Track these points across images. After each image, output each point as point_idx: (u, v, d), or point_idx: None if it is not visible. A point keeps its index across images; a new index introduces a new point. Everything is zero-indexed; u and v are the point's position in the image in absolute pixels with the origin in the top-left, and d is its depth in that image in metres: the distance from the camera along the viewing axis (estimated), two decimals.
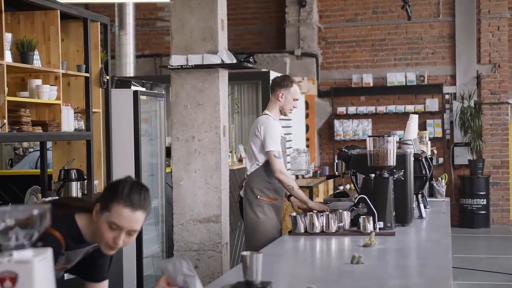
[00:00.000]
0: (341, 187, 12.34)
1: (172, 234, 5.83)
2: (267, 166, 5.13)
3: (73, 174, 5.42)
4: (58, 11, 5.18)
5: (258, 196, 5.14)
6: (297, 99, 5.29)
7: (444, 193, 6.54)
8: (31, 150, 8.84)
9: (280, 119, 9.61)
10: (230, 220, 6.24)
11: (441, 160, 12.55)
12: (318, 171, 10.99)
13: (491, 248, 10.77)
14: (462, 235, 11.56)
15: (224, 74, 5.91)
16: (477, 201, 12.23)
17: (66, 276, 4.56)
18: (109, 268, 2.90)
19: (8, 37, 4.73)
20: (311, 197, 9.10)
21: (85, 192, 5.57)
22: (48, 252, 1.81)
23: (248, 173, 5.25)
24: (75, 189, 5.42)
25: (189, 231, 5.74)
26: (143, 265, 6.30)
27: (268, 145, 5.06)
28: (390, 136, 4.46)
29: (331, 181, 11.10)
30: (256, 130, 5.15)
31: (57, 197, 4.78)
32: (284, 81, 5.26)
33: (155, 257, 6.71)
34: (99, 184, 5.80)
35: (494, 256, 9.92)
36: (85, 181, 5.55)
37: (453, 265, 7.90)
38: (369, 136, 4.51)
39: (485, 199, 12.24)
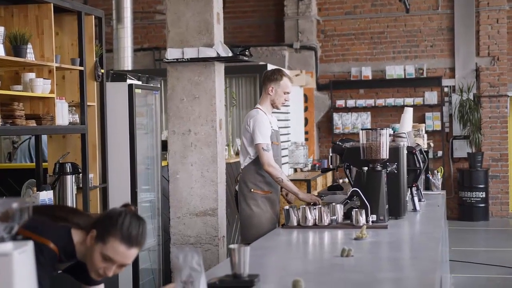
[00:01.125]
0: (341, 180, 12.35)
1: (169, 227, 5.83)
2: (259, 159, 5.15)
3: (68, 167, 5.42)
4: (52, 4, 5.16)
5: (252, 190, 5.17)
6: (288, 92, 5.28)
7: (440, 186, 6.54)
8: None
9: (278, 112, 9.61)
10: (227, 214, 6.25)
11: (440, 153, 12.55)
12: (317, 165, 10.99)
13: (489, 241, 10.77)
14: (461, 228, 11.57)
15: (220, 68, 5.91)
16: (476, 194, 12.22)
17: None
18: None
19: (0, 30, 4.73)
20: (308, 191, 9.10)
21: (80, 185, 5.57)
22: (29, 245, 1.82)
23: (241, 167, 5.27)
24: (70, 183, 5.42)
25: (186, 224, 5.75)
26: (139, 258, 6.30)
27: (257, 138, 5.09)
28: (383, 129, 4.46)
29: (329, 174, 11.11)
30: (246, 124, 5.18)
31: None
32: (274, 75, 5.27)
33: (151, 251, 6.72)
34: (94, 178, 5.80)
35: (492, 249, 9.92)
36: (80, 174, 5.55)
37: (451, 258, 7.95)
38: (362, 129, 4.51)
39: (484, 192, 12.24)
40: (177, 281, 2.65)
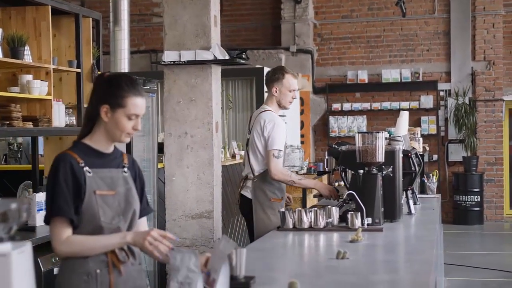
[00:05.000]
0: (336, 183, 12.37)
1: (164, 229, 5.84)
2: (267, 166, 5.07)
3: None
4: (49, 6, 5.19)
5: (271, 199, 5.07)
6: (293, 90, 5.15)
7: (435, 190, 6.56)
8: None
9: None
10: (223, 216, 6.26)
11: (435, 157, 12.58)
12: (313, 168, 11.01)
13: (484, 245, 10.81)
14: (456, 231, 11.60)
15: (216, 70, 5.92)
16: (471, 198, 12.26)
17: (56, 270, 4.59)
18: (148, 204, 3.08)
19: None
20: (304, 193, 9.10)
21: None
22: (27, 246, 1.83)
23: (255, 174, 5.12)
24: None
25: (181, 226, 5.76)
26: None
27: (271, 143, 4.96)
28: (379, 132, 4.47)
29: (325, 177, 11.13)
30: (265, 129, 5.02)
31: None
32: (275, 74, 5.16)
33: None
34: None
35: (487, 252, 9.96)
36: None
37: (446, 261, 7.97)
38: (358, 132, 4.52)
39: (479, 196, 12.28)
40: (174, 282, 2.67)
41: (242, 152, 8.33)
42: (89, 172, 2.82)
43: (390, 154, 4.59)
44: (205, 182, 5.77)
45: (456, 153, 12.61)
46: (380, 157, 4.44)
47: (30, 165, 5.95)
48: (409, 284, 2.92)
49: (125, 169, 2.96)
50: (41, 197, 5.12)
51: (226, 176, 7.25)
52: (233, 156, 8.03)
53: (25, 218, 1.85)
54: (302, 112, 12.35)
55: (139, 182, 3.03)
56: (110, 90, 2.85)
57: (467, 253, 9.85)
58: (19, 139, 8.86)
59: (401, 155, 4.74)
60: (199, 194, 5.77)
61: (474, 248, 10.43)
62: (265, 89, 9.92)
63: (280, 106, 5.19)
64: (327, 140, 12.86)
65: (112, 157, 2.95)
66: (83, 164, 2.82)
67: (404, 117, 5.67)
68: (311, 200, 9.30)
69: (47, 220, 2.83)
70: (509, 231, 12.06)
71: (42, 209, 4.87)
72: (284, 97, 5.14)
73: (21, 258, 1.79)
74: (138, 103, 2.84)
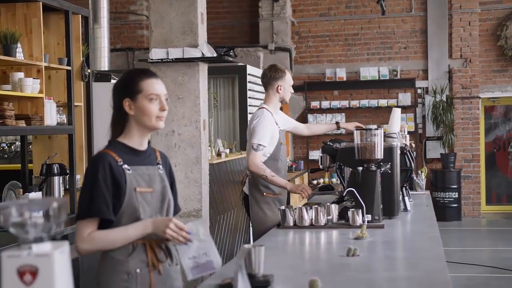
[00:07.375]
0: (315, 181, 12.40)
1: None
2: (270, 161, 5.09)
3: (55, 168, 5.35)
4: (40, 3, 5.10)
5: (264, 193, 5.12)
6: (291, 84, 5.40)
7: (424, 186, 6.59)
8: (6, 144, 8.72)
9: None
10: (210, 215, 6.23)
11: (413, 154, 12.65)
12: (293, 166, 11.03)
13: (464, 241, 10.91)
14: None
15: (204, 68, 5.90)
16: (449, 195, 12.37)
17: None
18: (176, 203, 3.07)
19: None
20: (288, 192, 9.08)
21: (67, 187, 5.50)
22: (66, 246, 1.79)
23: (250, 170, 5.12)
24: (57, 184, 5.35)
25: None
26: None
27: (253, 137, 5.04)
28: (377, 129, 4.47)
29: (306, 175, 11.16)
30: (251, 124, 5.14)
31: None
32: (278, 73, 5.28)
33: None
34: (81, 179, 5.72)
35: (467, 248, 10.05)
36: (67, 175, 5.48)
37: None
38: (356, 129, 4.52)
39: (456, 193, 12.39)
40: (185, 258, 2.64)
41: (228, 150, 8.31)
42: (129, 170, 2.81)
43: (388, 151, 4.60)
44: (193, 180, 5.75)
45: (434, 150, 12.71)
46: (379, 153, 4.44)
47: (16, 165, 5.85)
48: (430, 281, 2.90)
49: (160, 166, 2.95)
50: (34, 196, 5.04)
51: (213, 174, 7.21)
52: (219, 154, 7.98)
53: (64, 218, 1.80)
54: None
55: (169, 179, 3.02)
56: (125, 84, 2.88)
57: (448, 249, 9.91)
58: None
59: (398, 151, 4.76)
60: (187, 192, 5.74)
61: (454, 244, 10.51)
62: (247, 87, 9.86)
63: (282, 102, 5.36)
64: (306, 138, 12.85)
65: (147, 154, 2.93)
66: (121, 162, 2.81)
67: (397, 114, 5.68)
68: (293, 198, 9.29)
69: (79, 218, 2.80)
70: (486, 227, 12.20)
71: None
72: (287, 93, 5.36)
73: (61, 258, 1.76)
74: (153, 83, 2.85)
